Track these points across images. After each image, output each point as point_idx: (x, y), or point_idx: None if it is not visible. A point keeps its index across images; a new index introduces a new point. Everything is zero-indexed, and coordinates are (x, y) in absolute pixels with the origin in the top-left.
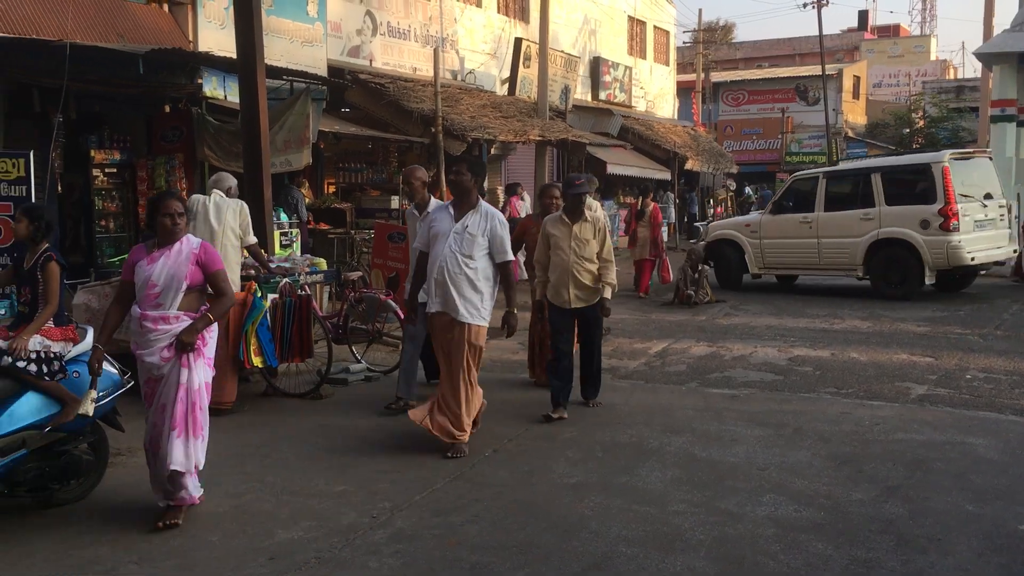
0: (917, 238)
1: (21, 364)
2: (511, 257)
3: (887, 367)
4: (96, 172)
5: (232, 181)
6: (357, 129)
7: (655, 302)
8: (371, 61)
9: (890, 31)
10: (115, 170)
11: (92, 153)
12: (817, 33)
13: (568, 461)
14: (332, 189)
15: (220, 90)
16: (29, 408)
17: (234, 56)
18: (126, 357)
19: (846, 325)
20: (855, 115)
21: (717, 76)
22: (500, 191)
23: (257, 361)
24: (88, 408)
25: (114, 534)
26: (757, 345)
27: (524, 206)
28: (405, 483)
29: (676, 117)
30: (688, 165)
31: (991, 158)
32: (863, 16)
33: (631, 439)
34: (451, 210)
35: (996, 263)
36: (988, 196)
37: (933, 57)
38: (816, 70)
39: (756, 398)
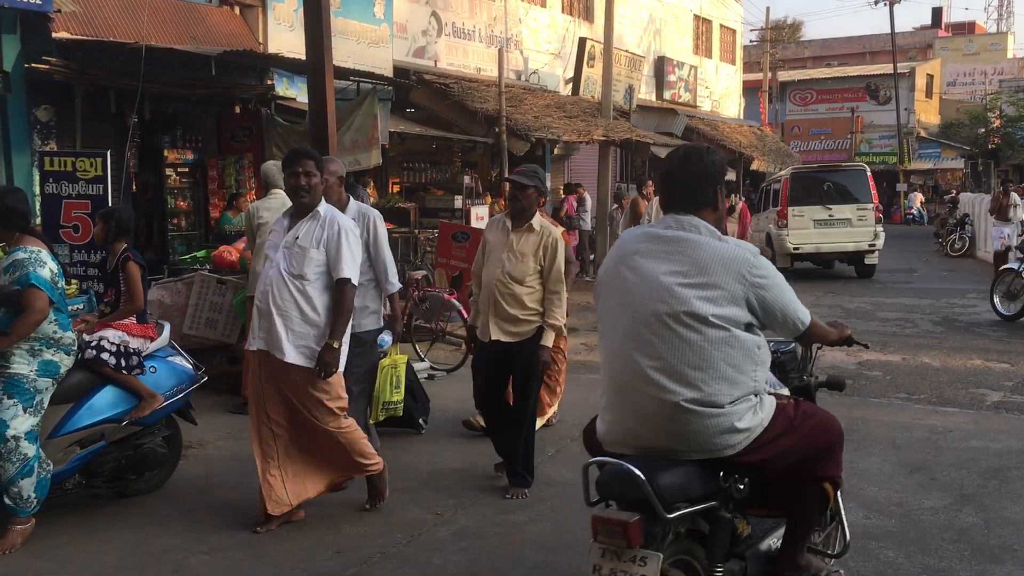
0: (773, 232)
1: (104, 357)
2: (347, 275)
3: (961, 372)
4: (169, 171)
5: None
6: (422, 129)
7: None
8: (436, 61)
9: (965, 28)
10: (187, 169)
11: (165, 153)
12: (889, 31)
13: None
14: (396, 189)
15: (290, 90)
16: (108, 401)
17: (303, 57)
18: (200, 352)
19: (917, 329)
20: (928, 115)
21: (784, 75)
22: (561, 191)
23: None
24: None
25: (186, 524)
26: (824, 348)
27: (587, 205)
28: (470, 481)
29: (742, 117)
30: (754, 166)
31: (865, 168)
32: (937, 13)
33: None
34: (286, 219)
35: (843, 252)
36: (856, 200)
37: (1010, 55)
38: (887, 69)
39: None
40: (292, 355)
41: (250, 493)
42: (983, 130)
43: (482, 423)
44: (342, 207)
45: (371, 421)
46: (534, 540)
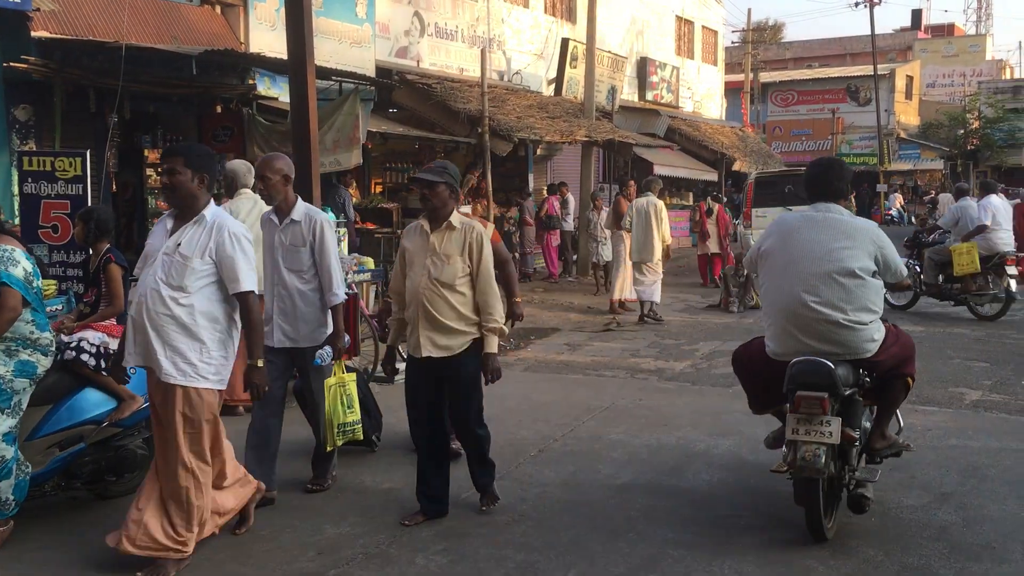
0: (740, 231)
1: (84, 358)
2: (247, 287)
3: (940, 372)
4: (149, 171)
5: None
6: (404, 129)
7: (701, 305)
8: (418, 62)
9: (944, 30)
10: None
11: (146, 152)
12: (869, 32)
13: (614, 462)
14: (379, 189)
15: (271, 90)
16: (88, 403)
17: (284, 57)
18: None
19: None
20: (908, 116)
21: (766, 76)
22: (544, 191)
23: None
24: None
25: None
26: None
27: (570, 207)
28: (453, 481)
29: (724, 118)
30: (736, 166)
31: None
32: (916, 15)
33: (678, 441)
34: (169, 221)
35: None
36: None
37: (989, 57)
38: (868, 70)
39: None
40: (168, 370)
41: None
42: (962, 131)
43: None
44: (288, 208)
45: (328, 448)
46: (517, 540)
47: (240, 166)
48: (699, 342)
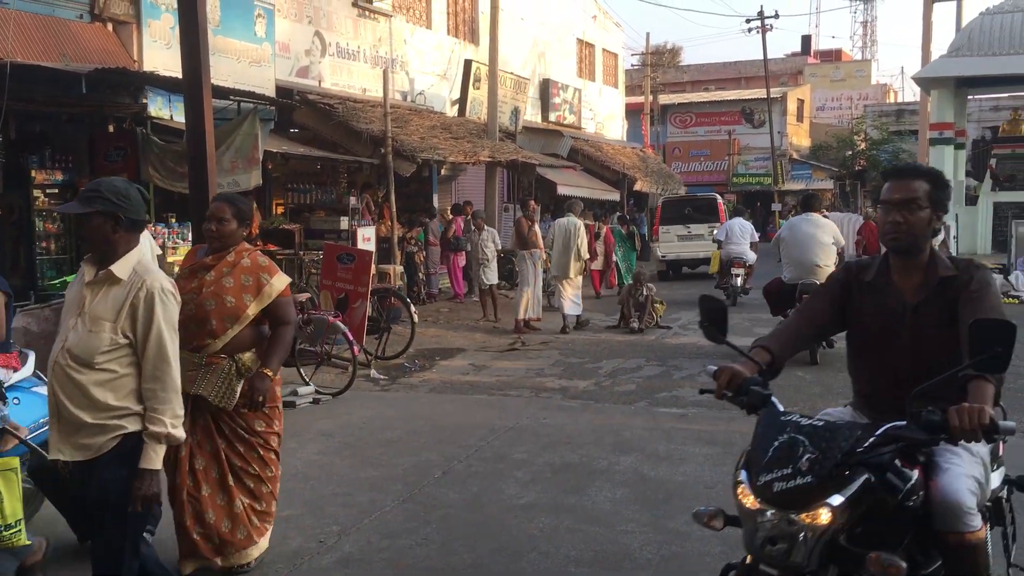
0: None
1: None
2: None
3: (832, 386)
4: (37, 192)
5: None
6: (306, 149)
7: (604, 323)
8: (320, 81)
9: (832, 56)
10: (57, 190)
11: (33, 173)
12: (762, 57)
13: (518, 482)
14: (280, 210)
15: (165, 110)
16: None
17: (180, 76)
18: None
19: None
20: (799, 137)
21: (665, 99)
22: (448, 211)
23: None
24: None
25: (53, 568)
26: (705, 364)
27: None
28: (354, 506)
29: (625, 139)
30: (637, 186)
31: (720, 195)
32: (806, 41)
33: (581, 459)
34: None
35: (697, 259)
36: (708, 220)
37: (874, 81)
38: (761, 93)
39: (704, 417)
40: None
41: None
42: (850, 152)
43: None
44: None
45: None
46: (420, 564)
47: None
48: (602, 360)
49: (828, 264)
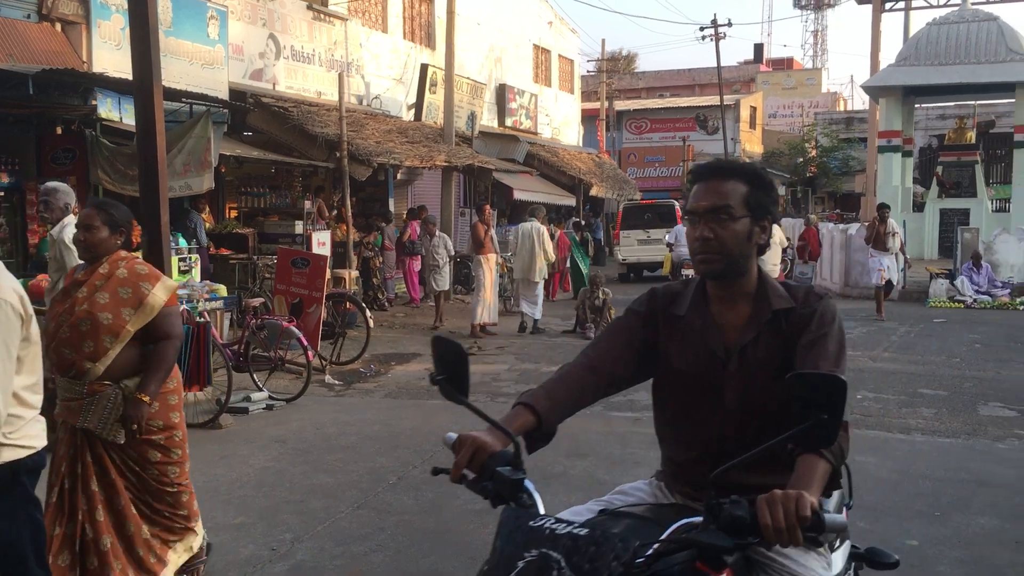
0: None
1: None
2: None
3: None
4: None
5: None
6: (260, 153)
7: (560, 328)
8: (274, 84)
9: (784, 64)
10: (2, 193)
11: None
12: (715, 65)
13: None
14: (234, 214)
15: (116, 112)
16: None
17: (130, 77)
18: None
19: None
20: (752, 144)
21: (620, 105)
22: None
23: None
24: None
25: None
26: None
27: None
28: (308, 513)
29: (581, 144)
30: (593, 191)
31: (676, 200)
32: (759, 49)
33: (536, 463)
34: None
35: (655, 262)
36: (666, 225)
37: (824, 89)
38: (715, 100)
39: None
40: None
41: None
42: (801, 159)
43: None
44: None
45: None
46: (374, 570)
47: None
48: (558, 364)
49: (775, 263)
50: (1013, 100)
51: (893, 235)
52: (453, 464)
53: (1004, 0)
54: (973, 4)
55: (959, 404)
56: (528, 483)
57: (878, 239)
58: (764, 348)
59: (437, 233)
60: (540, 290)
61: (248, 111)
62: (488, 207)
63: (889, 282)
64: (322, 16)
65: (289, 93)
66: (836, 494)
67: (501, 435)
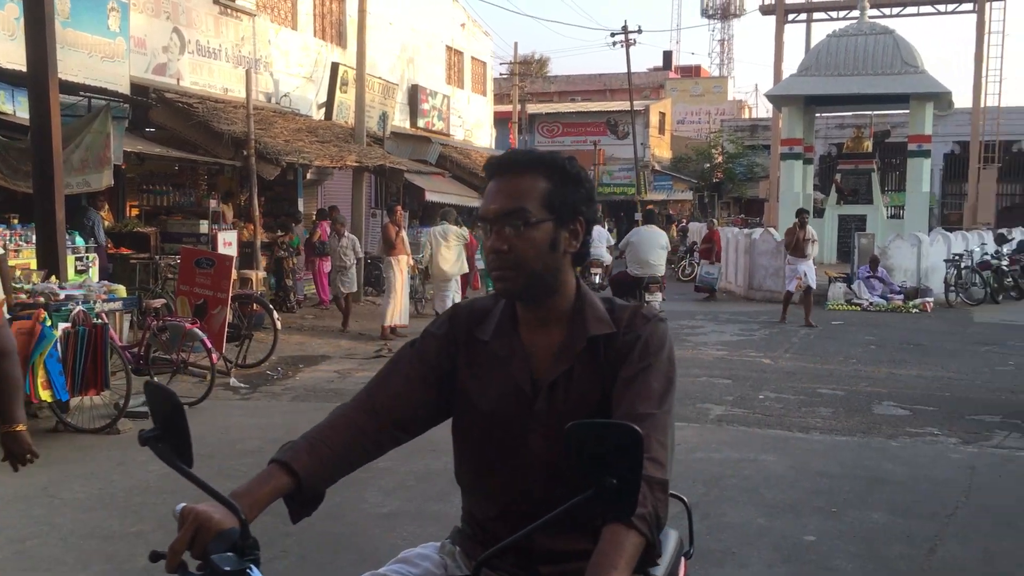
0: None
1: None
2: None
3: (688, 389)
4: None
5: None
6: (163, 150)
7: None
8: (179, 80)
9: (692, 71)
10: None
11: None
12: (626, 71)
13: (380, 490)
14: (135, 212)
15: (9, 105)
16: None
17: (24, 69)
18: None
19: None
20: (661, 149)
21: (533, 108)
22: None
23: (45, 395)
24: None
25: None
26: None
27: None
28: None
29: (494, 146)
30: None
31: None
32: (667, 56)
33: (445, 466)
34: None
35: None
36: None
37: (730, 97)
38: (625, 105)
39: None
40: None
41: None
42: (708, 165)
43: None
44: None
45: None
46: None
47: None
48: None
49: (661, 264)
50: (907, 111)
51: (812, 242)
52: (168, 547)
53: (898, 15)
54: (870, 18)
55: (855, 403)
56: (256, 573)
57: (797, 246)
58: (578, 383)
59: (346, 234)
60: (451, 289)
61: (151, 106)
62: (399, 208)
63: (808, 288)
64: (229, 11)
65: (194, 89)
66: (673, 540)
67: (267, 489)
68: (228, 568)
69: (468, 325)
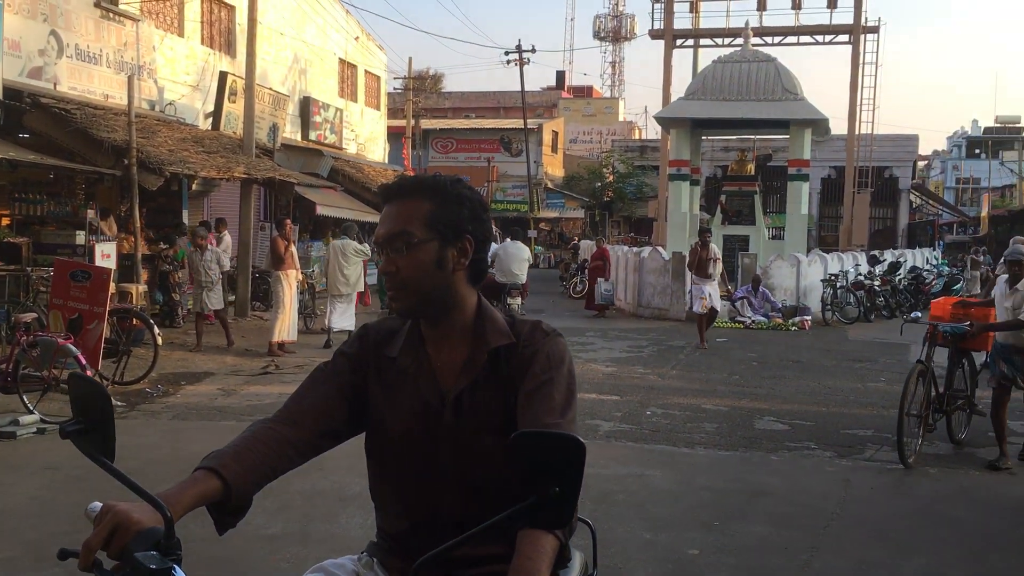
0: None
1: None
2: None
3: (579, 405)
4: None
5: None
6: (37, 157)
7: None
8: (56, 84)
9: (584, 92)
10: None
11: None
12: (519, 89)
13: (265, 512)
14: (7, 222)
15: None
16: None
17: None
18: None
19: None
20: (554, 168)
21: (427, 123)
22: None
23: None
24: None
25: None
26: None
27: (226, 243)
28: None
29: (387, 161)
30: None
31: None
32: (560, 76)
33: (332, 485)
34: None
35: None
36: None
37: (621, 118)
38: (519, 123)
39: None
40: None
41: None
42: (599, 184)
43: None
44: None
45: None
46: None
47: None
48: None
49: (523, 273)
50: (788, 136)
51: (715, 261)
52: (82, 544)
53: (780, 44)
54: (754, 46)
55: (738, 419)
56: (179, 572)
57: (700, 265)
58: (483, 396)
59: (209, 248)
60: (346, 303)
61: (24, 111)
62: (289, 222)
63: (713, 309)
64: (111, 15)
65: (72, 94)
66: (577, 560)
67: (192, 492)
68: (153, 567)
69: (377, 344)
